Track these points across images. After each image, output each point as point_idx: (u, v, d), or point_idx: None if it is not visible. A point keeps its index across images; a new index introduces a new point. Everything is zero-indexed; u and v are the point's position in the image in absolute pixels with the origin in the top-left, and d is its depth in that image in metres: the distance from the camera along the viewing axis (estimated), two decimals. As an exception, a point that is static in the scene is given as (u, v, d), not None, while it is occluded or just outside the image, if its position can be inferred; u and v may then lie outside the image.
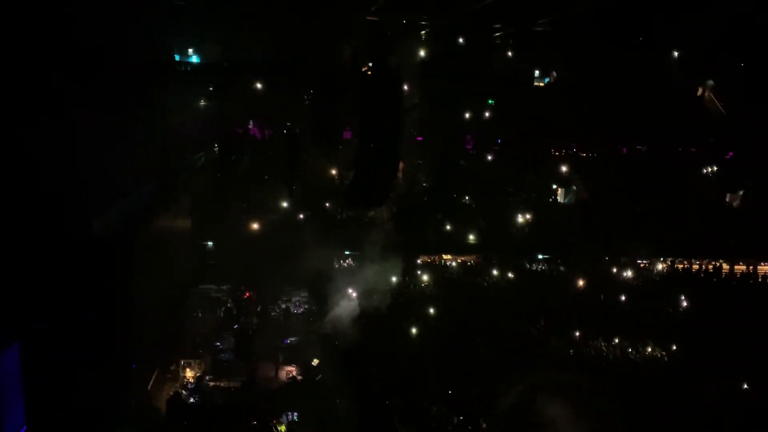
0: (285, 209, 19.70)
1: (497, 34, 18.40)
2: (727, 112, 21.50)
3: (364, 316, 17.61)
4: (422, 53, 17.51)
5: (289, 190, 18.77)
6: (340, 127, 16.60)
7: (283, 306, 19.64)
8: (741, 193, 23.43)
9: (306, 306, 19.86)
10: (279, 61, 15.61)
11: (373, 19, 15.41)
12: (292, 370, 16.56)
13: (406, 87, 17.71)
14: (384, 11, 14.62)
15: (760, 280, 22.64)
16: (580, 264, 20.26)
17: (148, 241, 14.08)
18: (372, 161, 12.87)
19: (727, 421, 14.51)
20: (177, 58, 15.68)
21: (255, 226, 19.33)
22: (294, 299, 20.00)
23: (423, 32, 17.31)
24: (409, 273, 20.25)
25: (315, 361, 16.38)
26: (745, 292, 21.32)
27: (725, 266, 23.08)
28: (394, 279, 19.17)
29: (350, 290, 18.51)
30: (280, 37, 14.70)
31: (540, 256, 21.34)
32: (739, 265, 22.97)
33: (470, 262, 21.72)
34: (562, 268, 21.03)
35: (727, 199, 23.94)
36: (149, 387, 15.52)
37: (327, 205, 20.95)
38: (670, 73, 21.10)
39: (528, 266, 21.43)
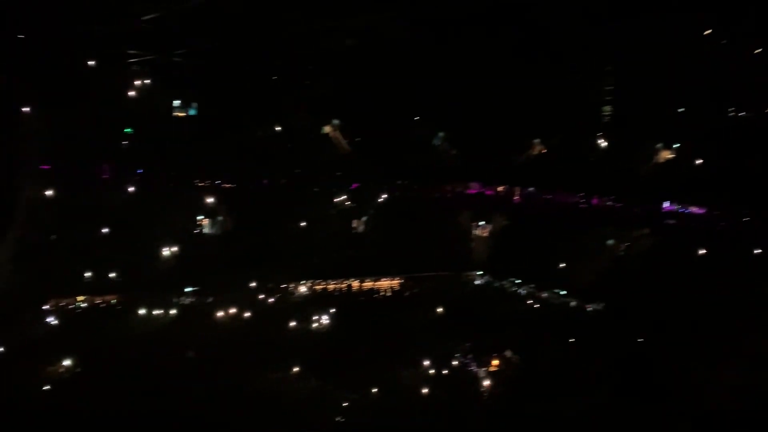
0: None
1: (133, 60, 17.64)
2: (351, 149, 24.40)
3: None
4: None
5: None
6: None
7: None
8: (364, 219, 26.80)
9: None
10: None
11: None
12: None
13: (27, 109, 15.88)
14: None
15: (381, 293, 26.38)
16: (229, 294, 20.42)
17: None
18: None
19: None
20: None
21: None
22: None
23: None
24: (35, 322, 17.63)
25: None
26: (371, 305, 24.46)
27: (354, 284, 26.19)
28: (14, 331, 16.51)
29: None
30: None
31: (188, 289, 20.85)
32: (366, 282, 26.36)
33: (113, 301, 20.02)
34: (210, 299, 20.92)
35: (354, 225, 27.14)
36: None
37: None
38: (299, 112, 23.09)
39: (177, 300, 20.73)
